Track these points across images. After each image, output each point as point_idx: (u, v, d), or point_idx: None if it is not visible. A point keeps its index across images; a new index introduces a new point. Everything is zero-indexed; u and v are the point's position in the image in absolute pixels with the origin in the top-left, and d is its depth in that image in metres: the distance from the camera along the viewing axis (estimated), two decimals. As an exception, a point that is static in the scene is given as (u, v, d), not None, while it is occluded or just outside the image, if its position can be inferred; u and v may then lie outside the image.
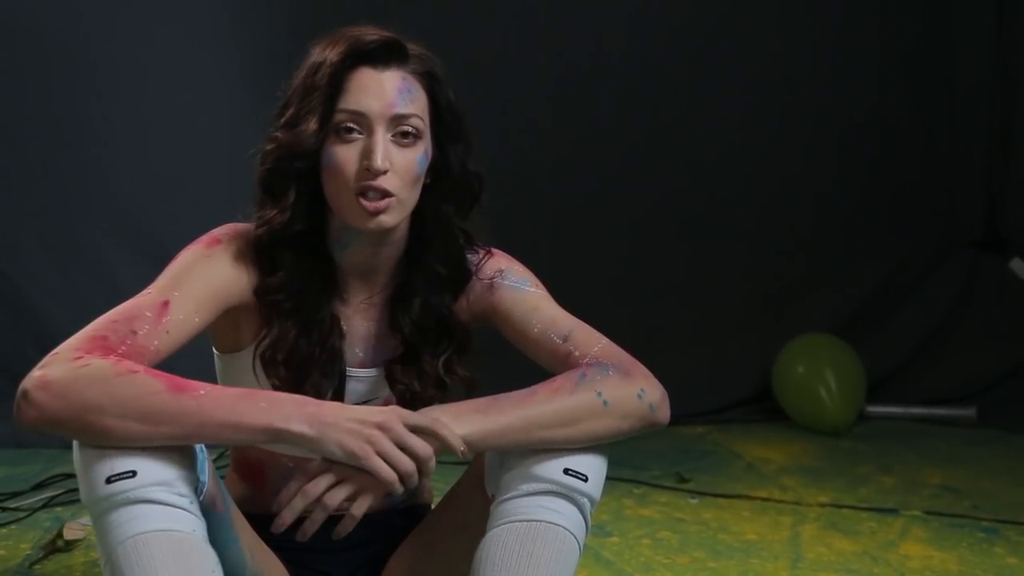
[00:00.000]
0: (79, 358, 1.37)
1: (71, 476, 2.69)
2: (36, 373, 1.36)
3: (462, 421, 1.44)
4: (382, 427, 1.38)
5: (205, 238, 1.58)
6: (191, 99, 3.51)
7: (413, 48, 1.55)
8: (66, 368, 1.36)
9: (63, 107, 3.40)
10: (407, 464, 1.38)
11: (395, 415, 1.40)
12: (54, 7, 3.37)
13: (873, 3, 4.10)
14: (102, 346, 1.40)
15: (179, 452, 1.39)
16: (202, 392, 1.37)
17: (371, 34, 1.52)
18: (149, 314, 1.46)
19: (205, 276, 1.53)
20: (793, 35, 4.03)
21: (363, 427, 1.37)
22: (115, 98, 3.45)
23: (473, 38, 3.67)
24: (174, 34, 3.49)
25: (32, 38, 3.36)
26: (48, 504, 2.56)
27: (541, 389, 1.49)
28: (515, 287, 1.64)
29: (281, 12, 3.56)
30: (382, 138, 1.50)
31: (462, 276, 1.64)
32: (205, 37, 3.52)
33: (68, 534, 2.29)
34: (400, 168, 1.51)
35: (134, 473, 1.35)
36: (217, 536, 1.45)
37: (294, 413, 1.37)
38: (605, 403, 1.49)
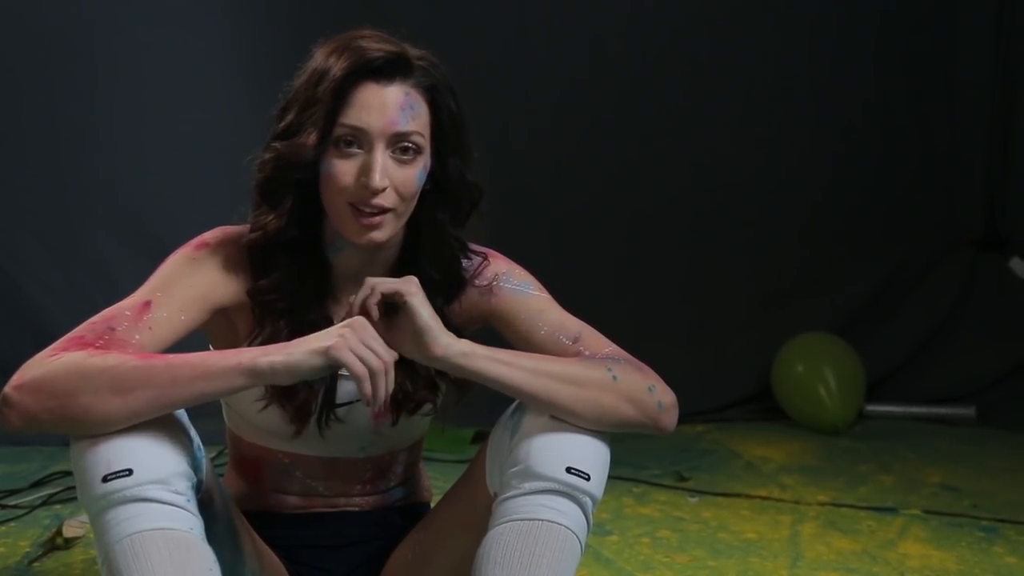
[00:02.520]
0: (53, 355, 1.39)
1: (70, 474, 2.66)
2: (14, 378, 1.38)
3: (475, 344, 1.47)
4: (352, 326, 1.40)
5: (193, 242, 1.58)
6: (190, 97, 3.51)
7: (418, 59, 1.52)
8: (39, 365, 1.38)
9: (63, 106, 3.41)
10: (376, 361, 1.39)
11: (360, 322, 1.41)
12: (54, 6, 3.38)
13: (873, 3, 4.09)
14: (78, 343, 1.41)
15: (176, 450, 1.40)
16: (171, 356, 1.40)
17: (376, 48, 1.50)
18: (128, 313, 1.47)
19: (190, 278, 1.53)
20: (793, 35, 4.02)
21: (330, 331, 1.40)
22: (115, 96, 3.45)
23: (473, 38, 3.67)
24: (173, 32, 3.50)
25: (32, 37, 3.37)
26: (47, 502, 2.57)
27: (552, 357, 1.54)
28: (517, 290, 1.64)
29: (280, 10, 3.57)
30: (381, 155, 1.49)
31: (456, 282, 1.63)
32: (204, 35, 3.53)
33: (67, 532, 2.29)
34: (398, 184, 1.50)
35: (130, 471, 1.35)
36: (215, 534, 1.45)
37: (259, 351, 1.40)
38: (615, 378, 1.50)
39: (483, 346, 1.49)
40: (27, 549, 2.28)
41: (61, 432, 1.38)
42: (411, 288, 1.45)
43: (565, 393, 1.48)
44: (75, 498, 2.56)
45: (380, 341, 1.40)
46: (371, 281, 1.46)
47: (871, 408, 3.76)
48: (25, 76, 3.37)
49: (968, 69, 4.13)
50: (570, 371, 1.50)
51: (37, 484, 2.68)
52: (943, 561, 2.39)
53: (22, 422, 1.37)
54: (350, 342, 1.38)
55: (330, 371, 1.40)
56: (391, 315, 1.47)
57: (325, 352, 1.38)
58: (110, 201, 3.45)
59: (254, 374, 1.38)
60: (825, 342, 3.75)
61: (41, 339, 3.11)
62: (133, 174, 3.48)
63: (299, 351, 1.38)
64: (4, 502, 2.55)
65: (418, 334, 1.45)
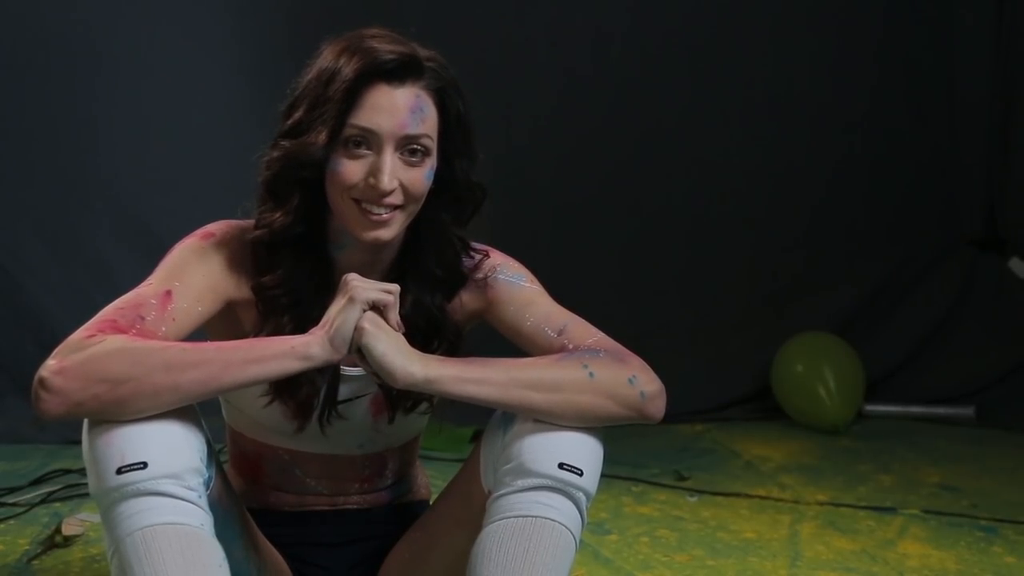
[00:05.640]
0: (91, 336, 1.38)
1: (69, 471, 2.69)
2: (50, 362, 1.37)
3: (445, 364, 1.47)
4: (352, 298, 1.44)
5: (199, 232, 1.59)
6: (191, 95, 3.51)
7: (428, 60, 1.53)
8: (79, 348, 1.37)
9: (63, 104, 3.41)
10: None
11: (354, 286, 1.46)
12: (54, 5, 3.37)
13: (874, 3, 4.09)
14: (113, 327, 1.41)
15: (189, 445, 1.40)
16: (217, 343, 1.44)
17: (387, 49, 1.50)
18: (154, 301, 1.48)
19: (202, 268, 1.54)
20: (794, 35, 4.03)
21: (345, 300, 1.44)
22: (115, 94, 3.45)
23: (475, 36, 3.67)
24: (173, 31, 3.50)
25: (32, 36, 3.36)
26: (46, 500, 2.56)
27: (526, 358, 1.54)
28: (510, 282, 1.65)
29: (280, 8, 3.56)
30: (390, 157, 1.49)
31: (456, 279, 1.64)
32: (204, 33, 3.53)
33: (66, 530, 2.29)
34: (407, 184, 1.51)
35: (145, 465, 1.36)
36: (222, 531, 1.46)
37: (305, 336, 1.44)
38: (591, 375, 1.49)
39: (453, 363, 1.48)
40: (26, 547, 2.28)
41: (100, 418, 1.38)
42: (361, 334, 1.44)
43: (541, 400, 1.48)
44: (74, 496, 2.56)
45: (375, 281, 1.47)
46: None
47: (870, 408, 3.76)
48: (25, 75, 3.37)
49: (968, 70, 4.13)
50: (544, 376, 1.49)
51: (36, 482, 2.67)
52: (942, 561, 2.39)
53: (63, 408, 1.36)
54: (363, 284, 1.44)
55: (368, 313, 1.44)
56: None
57: (352, 301, 1.43)
58: (110, 200, 3.45)
59: (308, 356, 1.42)
60: (825, 342, 3.75)
61: (41, 337, 3.12)
62: (133, 173, 3.47)
63: (331, 320, 1.43)
64: (3, 500, 2.55)
65: (379, 374, 1.46)
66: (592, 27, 3.90)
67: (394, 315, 1.46)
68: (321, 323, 1.44)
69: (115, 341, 1.37)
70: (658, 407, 1.54)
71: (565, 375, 1.49)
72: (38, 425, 2.78)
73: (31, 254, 3.39)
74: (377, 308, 1.45)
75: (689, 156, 3.99)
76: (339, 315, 1.43)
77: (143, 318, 1.45)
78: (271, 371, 1.42)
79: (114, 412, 1.37)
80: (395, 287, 1.47)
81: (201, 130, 3.50)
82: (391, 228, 1.52)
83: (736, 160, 4.03)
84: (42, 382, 1.35)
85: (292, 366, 1.42)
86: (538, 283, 1.67)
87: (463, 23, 3.68)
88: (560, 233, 3.88)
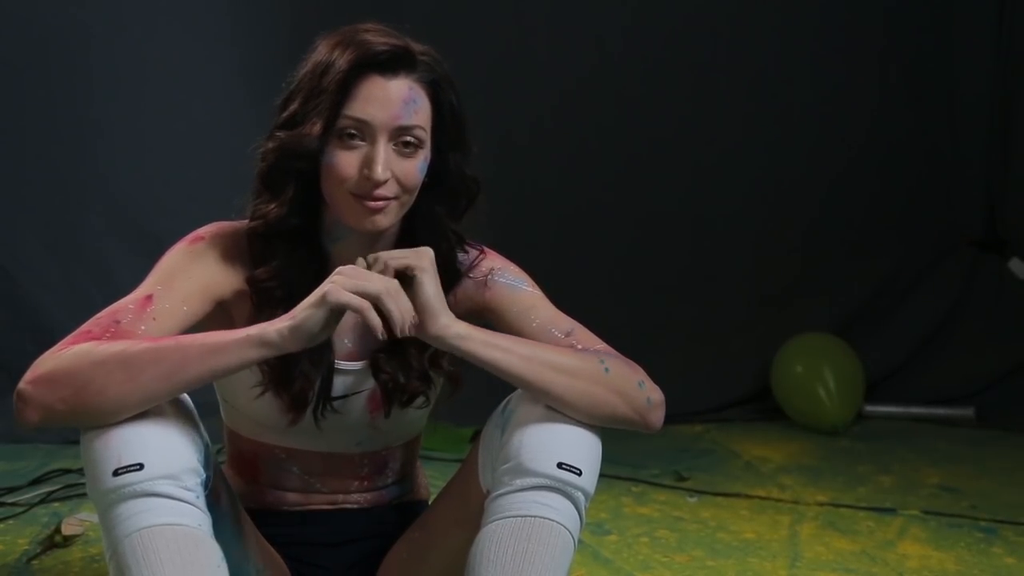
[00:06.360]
0: (62, 349, 1.41)
1: (69, 471, 2.69)
2: (25, 375, 1.40)
3: (473, 327, 1.48)
4: (341, 272, 1.42)
5: (188, 237, 1.60)
6: (190, 96, 3.51)
7: (421, 54, 1.54)
8: (49, 360, 1.40)
9: (63, 104, 3.41)
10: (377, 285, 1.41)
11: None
12: (54, 6, 3.37)
13: (874, 5, 4.10)
14: (86, 337, 1.43)
15: (186, 445, 1.40)
16: (180, 337, 1.43)
17: (381, 42, 1.51)
18: (132, 306, 1.49)
19: (189, 271, 1.54)
20: (795, 38, 4.03)
21: (318, 296, 1.40)
22: (114, 94, 3.45)
23: (476, 39, 3.67)
24: (173, 31, 3.50)
25: (32, 36, 3.36)
26: (46, 499, 2.56)
27: (547, 344, 1.55)
28: (511, 285, 1.65)
29: (281, 9, 3.56)
30: (384, 148, 1.50)
31: (451, 274, 1.64)
32: (204, 34, 3.53)
33: (66, 530, 2.29)
34: (400, 176, 1.52)
35: (141, 466, 1.36)
36: (220, 531, 1.46)
37: (266, 323, 1.41)
38: (607, 370, 1.51)
39: (482, 330, 1.50)
40: (26, 547, 2.28)
41: (77, 422, 1.39)
42: (423, 263, 1.46)
43: (559, 382, 1.49)
44: (74, 496, 2.56)
45: (374, 274, 1.43)
46: (384, 256, 1.46)
47: (870, 408, 3.76)
48: (25, 75, 3.37)
49: (968, 72, 4.14)
50: (565, 361, 1.50)
51: (36, 482, 2.68)
52: (942, 562, 2.39)
53: (39, 416, 1.38)
54: (344, 283, 1.40)
55: (336, 320, 1.41)
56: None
57: (323, 300, 1.39)
58: (109, 200, 3.45)
59: (264, 343, 1.40)
60: (824, 342, 3.75)
61: (40, 337, 3.11)
62: (132, 173, 3.47)
63: (300, 310, 1.40)
64: (3, 500, 2.55)
65: (419, 311, 1.45)
66: (593, 29, 3.90)
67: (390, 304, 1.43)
68: (291, 312, 1.43)
69: (81, 347, 1.39)
70: (659, 417, 1.55)
71: (583, 364, 1.51)
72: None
73: (31, 254, 3.39)
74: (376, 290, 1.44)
75: (689, 157, 3.99)
76: (307, 309, 1.41)
77: (118, 322, 1.45)
78: (230, 361, 1.41)
79: (89, 415, 1.38)
80: (389, 286, 1.42)
81: (201, 130, 3.50)
82: (387, 216, 1.53)
83: (736, 160, 4.03)
84: (18, 395, 1.39)
85: (250, 355, 1.41)
86: (539, 288, 1.67)
87: (464, 24, 3.68)
88: (560, 234, 3.88)
